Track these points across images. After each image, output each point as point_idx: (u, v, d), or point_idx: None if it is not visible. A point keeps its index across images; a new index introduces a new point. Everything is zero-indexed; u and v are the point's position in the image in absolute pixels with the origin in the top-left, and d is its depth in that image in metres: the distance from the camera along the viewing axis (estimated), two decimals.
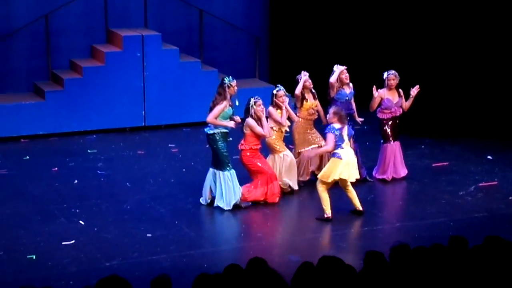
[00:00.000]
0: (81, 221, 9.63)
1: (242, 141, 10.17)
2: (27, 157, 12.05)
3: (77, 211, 9.94)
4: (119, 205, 10.16)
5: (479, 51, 12.97)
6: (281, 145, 10.51)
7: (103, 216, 9.82)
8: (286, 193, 10.57)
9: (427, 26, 12.91)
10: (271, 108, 10.43)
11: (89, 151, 12.39)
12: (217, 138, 9.94)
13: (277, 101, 10.38)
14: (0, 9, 13.62)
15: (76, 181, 11.01)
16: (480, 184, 11.01)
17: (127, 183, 10.96)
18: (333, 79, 10.78)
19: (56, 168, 11.54)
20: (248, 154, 10.10)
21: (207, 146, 10.24)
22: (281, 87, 10.47)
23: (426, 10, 12.90)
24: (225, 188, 9.97)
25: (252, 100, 10.04)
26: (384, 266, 5.98)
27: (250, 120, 10.04)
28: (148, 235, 9.28)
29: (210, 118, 9.93)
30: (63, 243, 9.00)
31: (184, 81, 13.65)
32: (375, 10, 14.31)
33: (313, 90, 10.79)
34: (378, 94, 10.83)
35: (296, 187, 10.63)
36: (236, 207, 10.04)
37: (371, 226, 9.68)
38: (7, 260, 8.60)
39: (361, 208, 9.85)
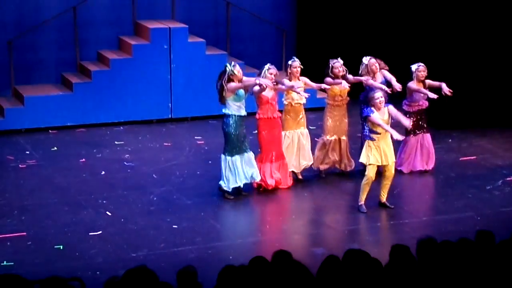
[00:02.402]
0: (108, 212, 9.69)
1: (257, 111, 10.30)
2: (55, 148, 12.14)
3: (104, 202, 10.00)
4: (145, 196, 10.22)
5: (507, 43, 12.85)
6: (288, 123, 10.51)
7: (129, 207, 9.88)
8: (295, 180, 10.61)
9: (456, 16, 12.81)
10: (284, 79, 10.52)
11: (116, 142, 12.45)
12: (230, 122, 9.96)
13: (290, 71, 10.46)
14: (29, 1, 13.72)
15: (103, 172, 11.08)
16: (508, 179, 10.92)
17: (154, 175, 11.01)
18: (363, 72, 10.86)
19: (84, 159, 11.62)
20: (264, 124, 10.19)
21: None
22: (297, 59, 10.56)
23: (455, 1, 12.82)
24: (226, 171, 10.03)
25: (266, 66, 10.22)
26: (410, 260, 5.96)
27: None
28: (174, 226, 9.32)
29: (227, 93, 9.88)
30: (90, 233, 9.07)
31: (210, 73, 13.56)
32: (404, 3, 14.21)
33: (347, 76, 10.70)
34: (409, 87, 10.84)
35: (295, 169, 10.61)
36: (238, 193, 10.11)
37: (398, 219, 9.65)
38: (35, 250, 8.69)
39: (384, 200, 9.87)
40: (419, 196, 10.78)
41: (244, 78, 10.00)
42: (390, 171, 9.70)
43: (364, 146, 9.69)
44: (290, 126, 10.55)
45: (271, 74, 10.19)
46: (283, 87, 10.32)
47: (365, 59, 10.87)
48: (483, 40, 12.83)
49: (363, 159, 9.69)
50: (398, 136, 9.57)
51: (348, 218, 9.70)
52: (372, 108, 9.53)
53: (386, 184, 9.78)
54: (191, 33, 13.80)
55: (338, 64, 10.65)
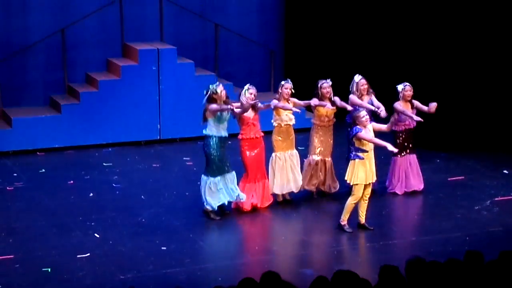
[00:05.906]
0: (96, 234, 9.66)
1: (240, 132, 10.32)
2: (43, 170, 12.11)
3: (93, 224, 9.97)
4: (134, 218, 10.19)
5: (495, 64, 12.93)
6: (278, 144, 10.52)
7: (118, 229, 9.85)
8: (280, 202, 10.56)
9: (444, 37, 12.89)
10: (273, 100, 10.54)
11: (104, 164, 12.43)
12: (211, 143, 9.95)
13: (282, 91, 10.45)
14: (17, 23, 13.73)
15: (91, 194, 11.05)
16: (496, 199, 10.95)
17: (142, 196, 10.99)
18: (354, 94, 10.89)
19: (72, 181, 11.59)
20: (247, 144, 10.22)
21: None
22: (290, 81, 10.56)
23: (442, 21, 12.88)
24: (206, 193, 10.00)
25: (246, 87, 10.25)
26: (399, 280, 5.95)
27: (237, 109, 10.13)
28: (163, 248, 9.29)
29: (208, 113, 9.95)
30: (78, 256, 9.03)
31: (199, 94, 13.50)
32: (390, 24, 14.30)
33: (334, 98, 10.73)
34: (395, 107, 10.86)
35: (282, 192, 10.58)
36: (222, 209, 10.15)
37: (386, 240, 9.65)
38: (23, 273, 8.63)
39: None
40: (407, 216, 10.80)
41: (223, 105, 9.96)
42: (368, 191, 9.70)
43: (350, 165, 9.69)
44: (280, 148, 10.55)
45: (251, 94, 10.22)
46: (272, 105, 10.32)
47: (357, 77, 10.91)
48: (471, 61, 12.90)
49: (349, 178, 9.69)
50: (392, 148, 9.72)
51: (337, 238, 9.69)
52: (359, 127, 9.57)
53: (365, 204, 9.77)
54: (179, 55, 13.83)
55: (326, 85, 10.69)
